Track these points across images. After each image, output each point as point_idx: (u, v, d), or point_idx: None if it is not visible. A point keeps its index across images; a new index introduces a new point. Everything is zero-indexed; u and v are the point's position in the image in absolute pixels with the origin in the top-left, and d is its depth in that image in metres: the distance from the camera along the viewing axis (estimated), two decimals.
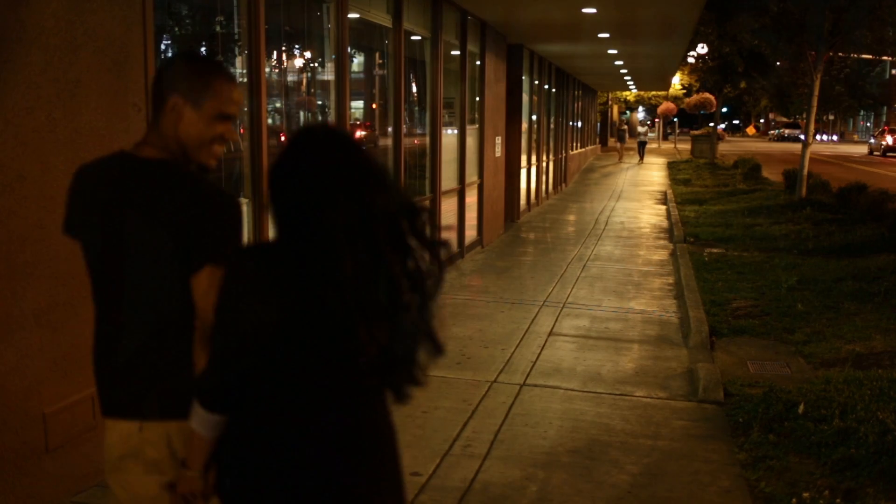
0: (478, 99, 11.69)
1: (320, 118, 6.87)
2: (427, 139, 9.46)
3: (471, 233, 11.40)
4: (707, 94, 37.45)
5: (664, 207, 17.49)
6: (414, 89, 9.05)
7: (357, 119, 7.90)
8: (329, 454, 1.83)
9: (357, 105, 7.92)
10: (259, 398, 1.81)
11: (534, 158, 16.72)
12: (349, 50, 6.77)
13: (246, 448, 1.84)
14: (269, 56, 5.85)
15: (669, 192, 20.60)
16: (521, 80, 14.66)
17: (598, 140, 40.90)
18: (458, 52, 10.53)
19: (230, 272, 1.78)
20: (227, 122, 2.07)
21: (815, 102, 16.46)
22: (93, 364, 2.14)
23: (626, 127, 40.07)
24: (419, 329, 1.84)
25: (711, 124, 39.35)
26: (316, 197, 1.73)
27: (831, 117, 65.51)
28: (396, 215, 1.78)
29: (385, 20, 7.83)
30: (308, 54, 6.81)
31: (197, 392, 1.86)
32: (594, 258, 11.02)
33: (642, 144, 34.89)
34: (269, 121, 5.72)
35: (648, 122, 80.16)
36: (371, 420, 1.89)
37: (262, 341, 1.75)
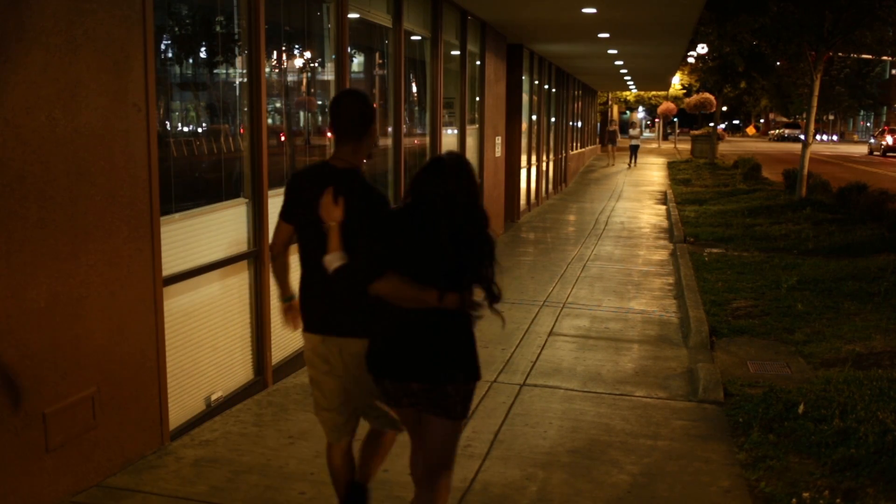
0: (478, 99, 11.69)
1: (321, 118, 6.88)
2: (427, 139, 9.45)
3: None
4: (707, 94, 37.42)
5: (664, 207, 17.49)
6: (414, 89, 9.05)
7: None
8: (425, 332, 2.91)
9: None
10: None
11: (534, 158, 16.72)
12: (349, 50, 6.77)
13: (386, 330, 2.96)
14: (269, 56, 5.84)
15: (669, 192, 20.60)
16: (521, 80, 14.66)
17: (598, 140, 40.77)
18: (458, 52, 10.53)
19: (387, 215, 3.01)
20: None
21: (815, 102, 16.45)
22: (301, 299, 3.31)
23: (615, 128, 34.92)
24: (478, 270, 2.92)
25: (711, 124, 39.30)
26: (448, 192, 2.87)
27: (831, 117, 65.46)
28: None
29: (385, 20, 7.82)
30: (308, 54, 6.81)
31: (345, 279, 2.96)
32: (594, 258, 11.02)
33: (634, 148, 31.78)
34: (269, 121, 5.72)
35: (648, 122, 79.99)
36: (450, 317, 2.91)
37: (391, 250, 2.89)
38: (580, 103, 27.49)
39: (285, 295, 3.53)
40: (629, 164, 30.64)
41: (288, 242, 3.39)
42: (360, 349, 3.11)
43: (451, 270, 2.87)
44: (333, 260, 2.99)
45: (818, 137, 61.84)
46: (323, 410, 3.36)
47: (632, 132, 33.56)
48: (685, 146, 47.52)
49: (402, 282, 2.86)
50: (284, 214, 3.33)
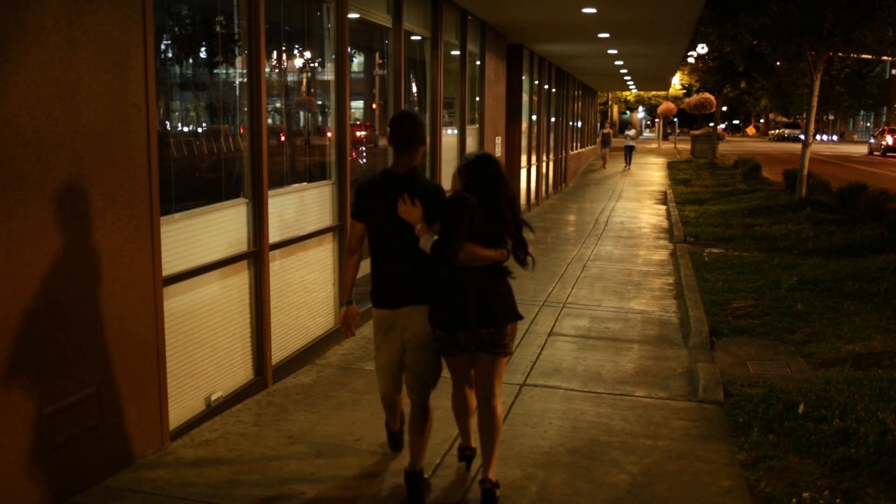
0: (478, 99, 11.69)
1: (321, 118, 6.88)
2: (427, 139, 9.44)
3: None
4: (707, 94, 37.43)
5: (664, 207, 17.49)
6: (414, 89, 9.05)
7: (357, 119, 7.89)
8: (487, 294, 3.86)
9: (357, 105, 7.91)
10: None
11: (534, 158, 16.72)
12: (349, 50, 6.77)
13: (445, 290, 3.84)
14: (269, 56, 5.84)
15: (669, 192, 20.60)
16: (521, 80, 14.66)
17: (597, 140, 40.71)
18: (458, 52, 10.53)
19: (461, 200, 3.77)
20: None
21: (815, 102, 16.45)
22: (375, 282, 3.98)
23: (609, 130, 32.50)
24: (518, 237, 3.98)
25: (711, 124, 39.32)
26: (494, 184, 3.84)
27: (831, 117, 65.47)
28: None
29: (385, 20, 7.82)
30: (308, 54, 6.81)
31: (441, 254, 3.71)
32: (594, 258, 11.02)
33: (629, 149, 29.83)
34: (269, 121, 5.72)
35: (648, 122, 79.86)
36: (501, 276, 3.95)
37: (471, 225, 3.75)
38: (580, 103, 27.49)
39: (346, 298, 4.11)
40: (624, 168, 28.91)
41: (362, 238, 4.02)
42: (418, 313, 3.91)
43: (502, 235, 3.90)
44: (428, 241, 3.73)
45: (818, 137, 61.82)
46: (382, 369, 4.09)
47: (628, 133, 31.00)
48: (685, 146, 47.52)
49: (476, 247, 3.78)
50: (357, 215, 3.99)
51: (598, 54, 16.53)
